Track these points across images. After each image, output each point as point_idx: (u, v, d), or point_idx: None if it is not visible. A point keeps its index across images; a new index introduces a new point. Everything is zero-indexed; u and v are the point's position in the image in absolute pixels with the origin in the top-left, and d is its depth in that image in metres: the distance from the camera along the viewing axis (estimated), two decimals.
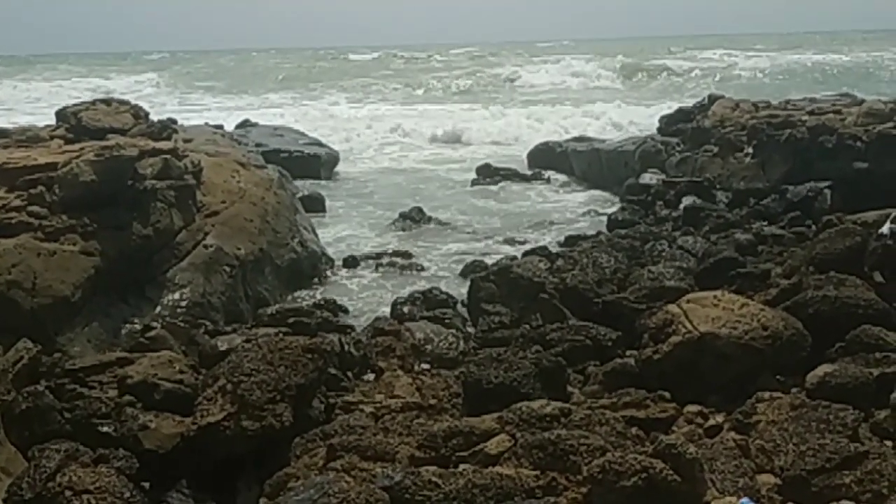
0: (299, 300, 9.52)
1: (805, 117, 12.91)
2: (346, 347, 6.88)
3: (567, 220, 13.69)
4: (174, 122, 11.96)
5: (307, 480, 4.76)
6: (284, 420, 5.47)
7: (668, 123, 16.28)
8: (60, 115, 10.09)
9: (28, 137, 9.35)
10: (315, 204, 13.92)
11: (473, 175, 17.57)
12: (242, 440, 5.42)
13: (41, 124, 10.52)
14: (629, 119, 24.40)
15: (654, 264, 8.92)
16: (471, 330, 8.09)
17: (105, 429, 5.62)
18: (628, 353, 6.69)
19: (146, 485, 5.33)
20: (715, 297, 6.44)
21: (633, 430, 5.23)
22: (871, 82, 34.77)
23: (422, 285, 9.70)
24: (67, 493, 4.80)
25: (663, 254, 9.56)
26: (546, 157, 18.67)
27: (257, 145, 16.39)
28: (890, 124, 11.95)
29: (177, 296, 8.17)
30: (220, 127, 15.86)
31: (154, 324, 7.57)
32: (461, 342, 7.41)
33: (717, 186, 12.81)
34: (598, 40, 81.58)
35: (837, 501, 4.44)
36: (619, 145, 16.92)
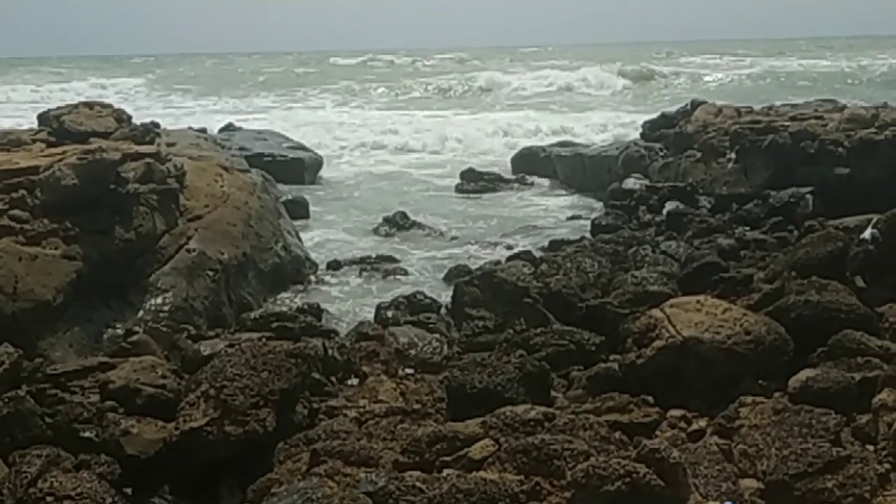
0: (283, 305, 9.48)
1: (787, 123, 12.96)
2: (330, 352, 6.86)
3: (551, 224, 13.70)
4: (157, 125, 11.92)
5: (290, 486, 4.77)
6: (268, 425, 5.45)
7: (652, 129, 16.33)
8: (42, 118, 10.04)
9: (10, 141, 9.29)
10: (299, 208, 13.87)
11: (457, 180, 17.57)
12: (225, 445, 5.39)
13: (23, 127, 10.46)
14: (615, 124, 24.43)
15: (637, 269, 8.93)
16: (455, 334, 8.07)
17: (87, 434, 5.56)
18: (612, 357, 6.70)
19: (128, 491, 5.29)
20: (698, 301, 6.47)
21: (617, 434, 5.24)
22: (853, 88, 34.97)
23: (406, 290, 9.67)
24: (49, 498, 4.77)
25: (647, 258, 9.58)
26: (530, 162, 18.69)
27: (241, 149, 16.33)
28: (871, 130, 12.02)
29: (159, 300, 8.12)
30: (204, 130, 15.81)
31: (136, 328, 7.50)
32: (445, 347, 7.39)
33: (700, 191, 12.86)
34: (582, 45, 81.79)
35: None
36: (603, 150, 16.97)
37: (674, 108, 16.91)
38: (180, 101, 38.63)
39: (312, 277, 10.57)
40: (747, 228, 11.05)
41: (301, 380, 5.84)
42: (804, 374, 5.72)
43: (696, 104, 15.84)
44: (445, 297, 9.06)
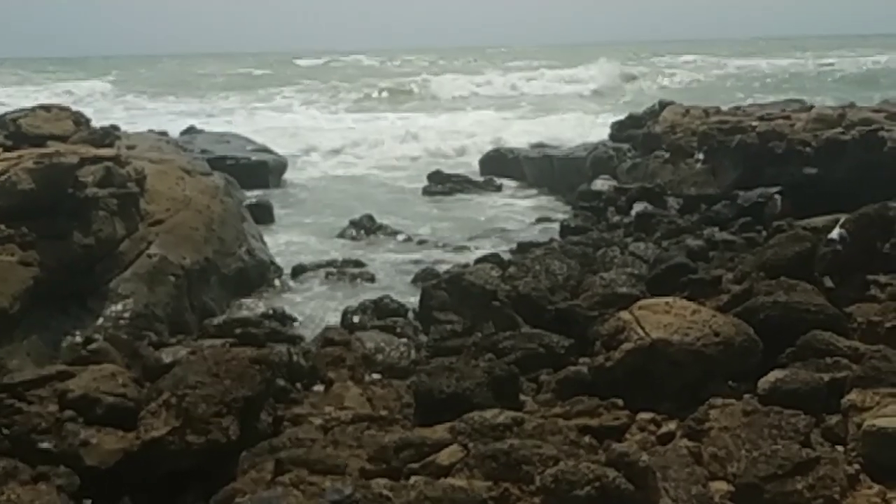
0: (247, 310, 9.36)
1: (755, 123, 13.00)
2: (295, 358, 6.76)
3: (519, 226, 13.67)
4: (117, 128, 11.76)
5: (254, 495, 4.69)
6: (231, 434, 5.34)
7: (620, 129, 16.37)
8: None
9: None
10: (263, 212, 13.71)
11: (425, 182, 17.51)
12: (187, 455, 5.28)
13: None
14: (585, 124, 24.42)
15: (606, 271, 8.89)
16: (423, 339, 8.00)
17: (45, 445, 5.42)
18: (581, 360, 6.64)
19: (88, 502, 5.17)
20: (667, 303, 6.43)
21: (587, 438, 5.19)
22: (822, 87, 35.32)
23: (373, 294, 9.57)
24: None
25: (615, 260, 9.55)
26: (498, 164, 18.68)
27: (203, 152, 16.15)
28: (838, 130, 12.08)
29: (119, 307, 7.97)
30: (165, 133, 15.66)
31: (96, 336, 7.35)
32: (413, 351, 7.33)
33: (669, 192, 12.87)
34: (552, 46, 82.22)
35: None
36: (571, 152, 16.98)
37: (642, 109, 16.96)
38: (141, 104, 38.28)
39: (277, 282, 10.45)
40: (716, 229, 11.05)
41: (265, 387, 5.74)
42: (773, 375, 5.69)
43: (663, 104, 15.90)
44: (413, 300, 8.99)
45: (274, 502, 4.47)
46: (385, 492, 4.47)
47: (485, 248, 11.81)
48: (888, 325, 6.42)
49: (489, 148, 20.43)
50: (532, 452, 4.69)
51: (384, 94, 40.37)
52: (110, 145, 9.76)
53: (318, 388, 6.62)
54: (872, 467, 4.72)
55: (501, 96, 37.97)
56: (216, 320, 8.35)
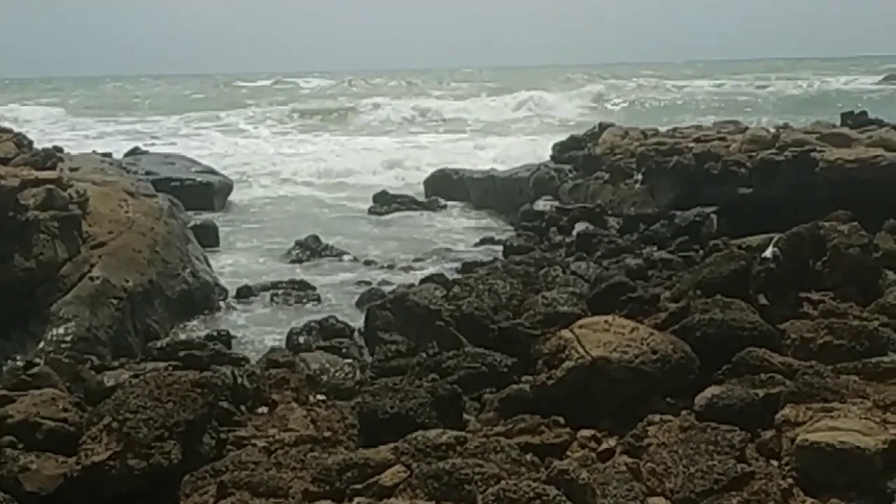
0: (191, 332, 9.31)
1: (692, 144, 13.26)
2: (239, 380, 6.70)
3: (463, 247, 13.77)
4: (60, 150, 11.66)
5: None
6: (173, 457, 5.30)
7: (561, 151, 16.56)
8: None
9: None
10: (208, 233, 13.61)
11: (370, 203, 17.54)
12: (129, 479, 5.23)
13: None
14: (526, 147, 24.59)
15: (548, 290, 8.99)
16: (368, 359, 8.03)
17: None
18: (524, 379, 6.71)
19: None
20: (606, 321, 6.52)
21: (528, 456, 5.23)
22: (759, 109, 36.06)
23: (318, 315, 9.58)
24: None
25: (557, 279, 9.66)
26: (442, 185, 18.77)
27: (147, 173, 16.04)
28: (772, 150, 12.34)
29: (61, 330, 7.89)
30: (109, 155, 15.49)
31: (37, 360, 7.27)
32: (357, 372, 7.33)
33: (609, 212, 13.08)
34: (507, 68, 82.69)
35: None
36: (514, 172, 17.14)
37: (583, 131, 17.19)
38: (85, 125, 37.75)
39: (222, 304, 10.41)
40: (654, 248, 11.26)
41: (207, 410, 5.71)
42: (710, 391, 5.80)
43: (603, 126, 16.13)
44: (358, 321, 9.01)
45: None
46: None
47: (429, 269, 11.89)
48: (820, 341, 6.58)
49: (433, 169, 20.51)
50: (474, 471, 4.72)
51: (333, 115, 40.29)
52: (53, 167, 9.67)
53: (263, 410, 6.57)
54: (806, 481, 4.83)
55: (446, 119, 38.08)
56: (160, 343, 8.28)
